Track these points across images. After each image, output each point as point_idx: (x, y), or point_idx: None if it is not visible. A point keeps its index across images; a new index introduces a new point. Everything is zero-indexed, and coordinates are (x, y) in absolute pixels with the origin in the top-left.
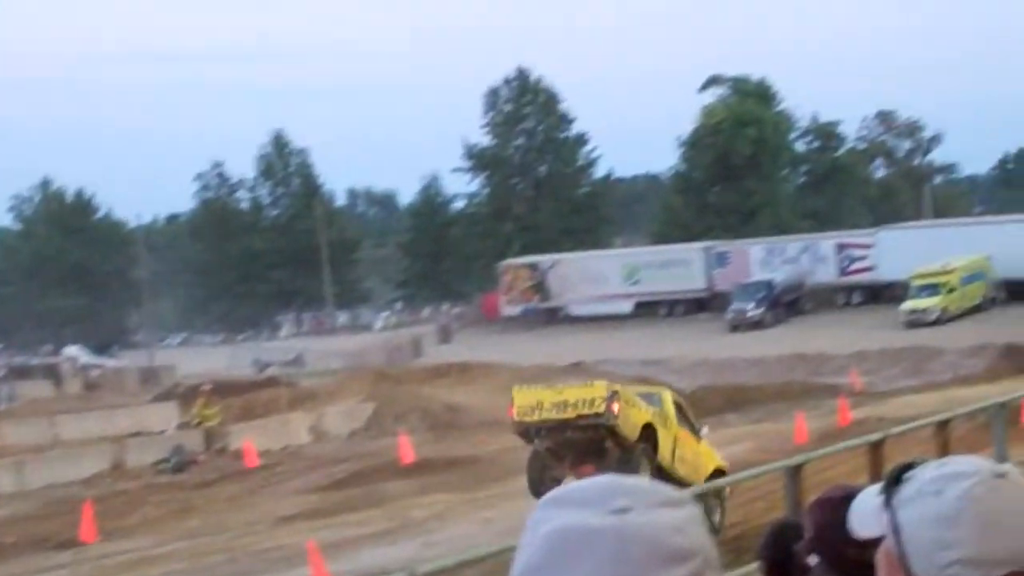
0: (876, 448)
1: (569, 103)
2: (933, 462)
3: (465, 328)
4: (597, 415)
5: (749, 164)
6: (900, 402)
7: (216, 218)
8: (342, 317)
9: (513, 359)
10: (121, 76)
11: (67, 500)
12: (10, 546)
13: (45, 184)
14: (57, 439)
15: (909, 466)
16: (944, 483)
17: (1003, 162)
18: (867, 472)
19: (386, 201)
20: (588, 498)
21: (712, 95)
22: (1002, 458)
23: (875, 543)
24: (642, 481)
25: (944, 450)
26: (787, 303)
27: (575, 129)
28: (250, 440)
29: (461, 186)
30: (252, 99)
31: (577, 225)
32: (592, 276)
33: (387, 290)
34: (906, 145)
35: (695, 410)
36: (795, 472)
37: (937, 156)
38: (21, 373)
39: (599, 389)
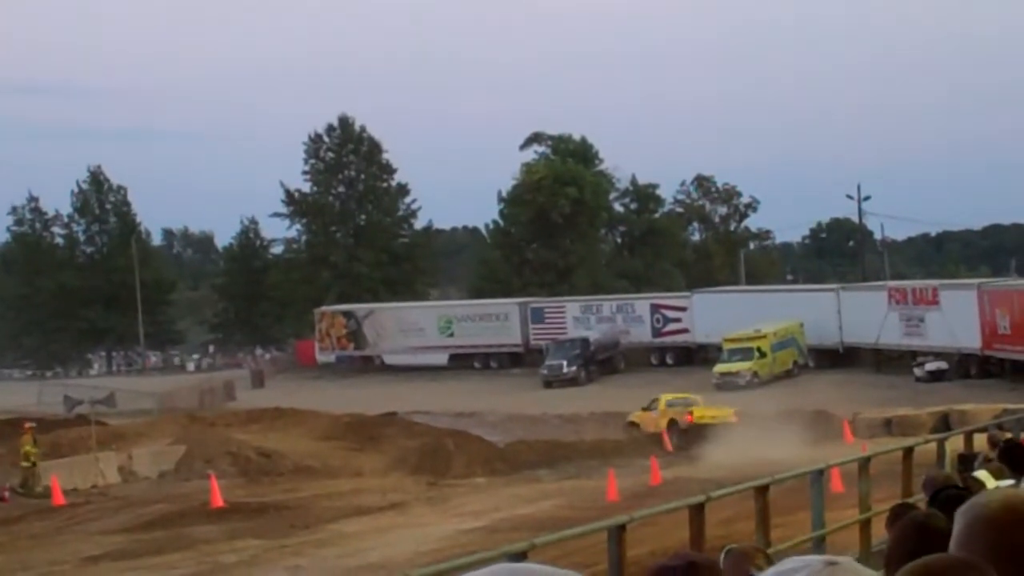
0: (697, 510)
1: (392, 153)
2: (771, 568)
3: (279, 373)
4: None
5: (567, 222)
6: (711, 463)
7: (29, 252)
8: (154, 358)
9: (327, 406)
10: None
11: None
12: None
13: None
14: None
15: None
16: None
17: (815, 231)
18: (688, 534)
19: (203, 243)
20: None
21: (534, 152)
22: (819, 522)
23: None
24: (542, 567)
25: (764, 514)
26: (601, 361)
27: (397, 179)
28: (57, 478)
29: (280, 231)
30: (69, 135)
31: (395, 275)
32: (408, 326)
33: (201, 332)
34: (723, 210)
35: (507, 464)
36: (619, 532)
37: (752, 222)
38: None
39: None
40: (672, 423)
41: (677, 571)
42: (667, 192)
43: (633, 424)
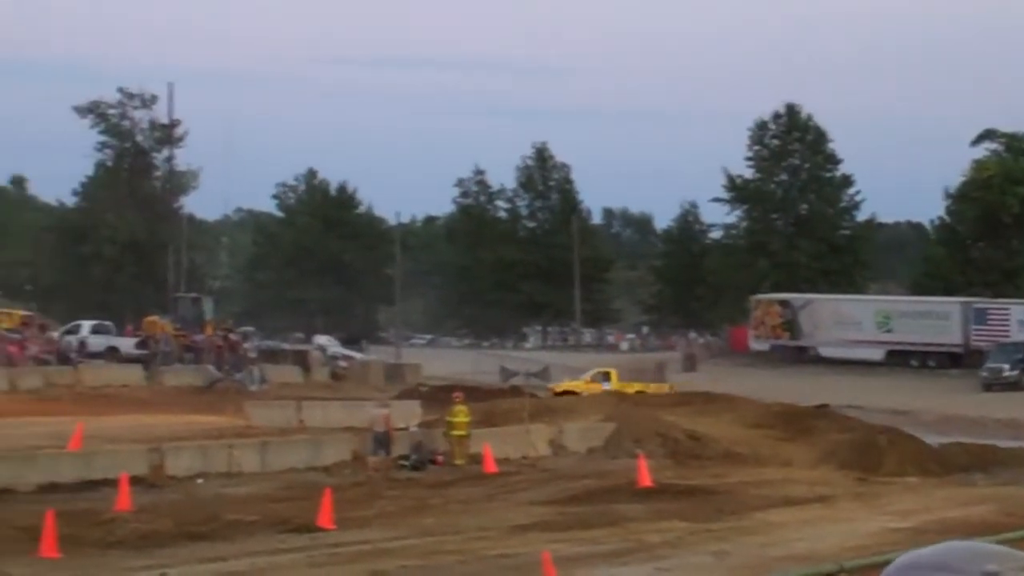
0: None
1: (837, 143)
2: None
3: (711, 358)
4: None
5: (1016, 223)
6: None
7: (473, 224)
8: (588, 335)
9: (757, 394)
10: (389, 80)
11: (307, 485)
12: (251, 524)
13: (310, 175)
14: (302, 425)
15: None
16: None
17: None
18: None
19: (642, 223)
20: (950, 563)
21: (984, 149)
22: None
23: None
24: (998, 547)
25: None
26: None
27: (841, 170)
28: (489, 446)
29: (719, 216)
30: (515, 113)
31: (834, 266)
32: (845, 319)
33: (636, 312)
34: None
35: (940, 465)
36: None
37: None
38: (272, 357)
39: None
40: None
41: None
42: None
43: None
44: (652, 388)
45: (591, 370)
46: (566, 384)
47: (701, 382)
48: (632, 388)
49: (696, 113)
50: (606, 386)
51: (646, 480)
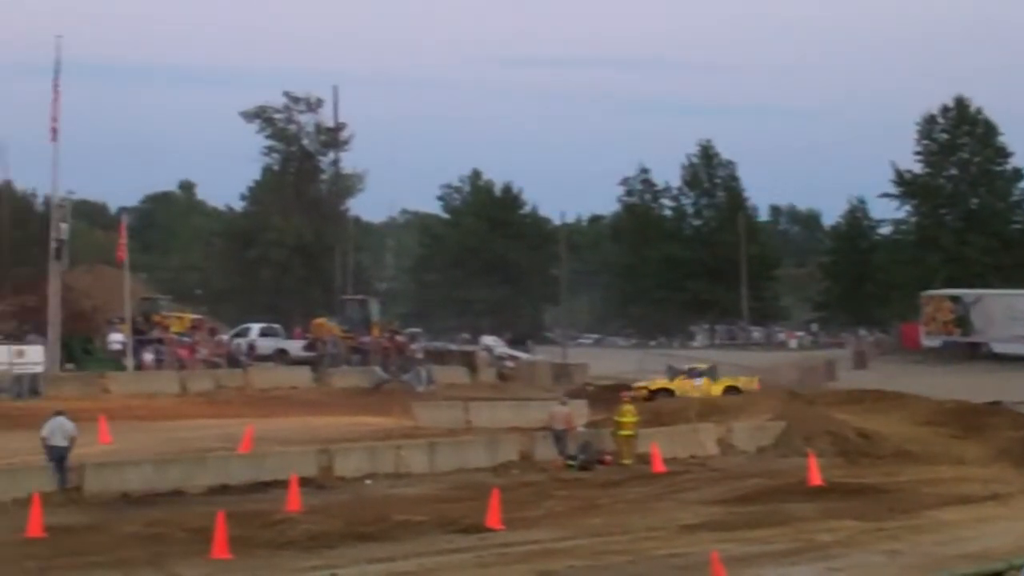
0: None
1: (1008, 136)
2: None
3: (881, 355)
4: None
5: None
6: None
7: (638, 223)
8: (756, 333)
9: (929, 391)
10: (552, 79)
11: (474, 485)
12: (420, 524)
13: (475, 175)
14: (469, 425)
15: None
16: None
17: None
18: None
19: (809, 220)
20: None
21: None
22: None
23: None
24: None
25: None
26: None
27: (1012, 163)
28: (657, 446)
29: (888, 211)
30: (678, 110)
31: (1006, 261)
32: (1019, 314)
33: (804, 310)
34: None
35: None
36: None
37: None
38: (438, 358)
39: None
40: None
41: None
42: None
43: None
44: (742, 382)
45: (686, 367)
46: (660, 383)
47: (871, 380)
48: (721, 385)
49: (863, 107)
50: (698, 383)
51: (816, 479)
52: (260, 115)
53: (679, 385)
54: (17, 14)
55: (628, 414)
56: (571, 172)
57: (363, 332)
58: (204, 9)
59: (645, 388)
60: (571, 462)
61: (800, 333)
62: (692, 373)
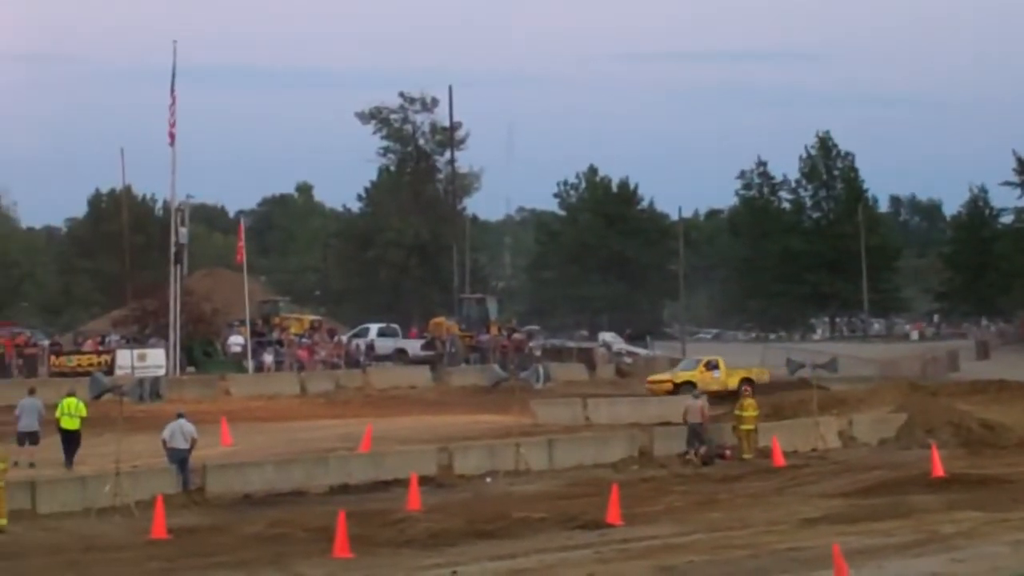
0: None
1: None
2: None
3: (1004, 345)
4: None
5: None
6: None
7: (757, 216)
8: (877, 324)
9: None
10: (666, 74)
11: (594, 482)
12: (539, 521)
13: (591, 172)
14: (588, 422)
15: None
16: None
17: None
18: None
19: (930, 210)
20: None
21: None
22: None
23: None
24: None
25: None
26: None
27: None
28: (778, 439)
29: (1010, 200)
30: (796, 101)
31: None
32: None
33: (926, 300)
34: None
35: None
36: None
37: None
38: (557, 355)
39: None
40: None
41: None
42: None
43: None
44: (755, 373)
45: (702, 359)
46: (684, 375)
47: (994, 370)
48: (736, 376)
49: (984, 96)
50: (716, 375)
51: (939, 470)
52: (376, 116)
53: (699, 377)
54: (135, 21)
55: (749, 408)
56: (687, 166)
57: (481, 331)
58: (319, 11)
59: (669, 381)
60: (692, 457)
61: (923, 324)
62: (710, 366)
